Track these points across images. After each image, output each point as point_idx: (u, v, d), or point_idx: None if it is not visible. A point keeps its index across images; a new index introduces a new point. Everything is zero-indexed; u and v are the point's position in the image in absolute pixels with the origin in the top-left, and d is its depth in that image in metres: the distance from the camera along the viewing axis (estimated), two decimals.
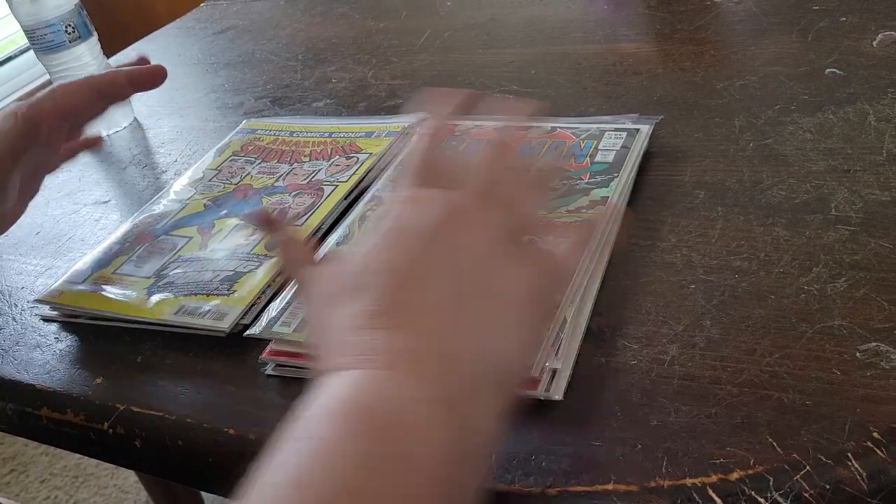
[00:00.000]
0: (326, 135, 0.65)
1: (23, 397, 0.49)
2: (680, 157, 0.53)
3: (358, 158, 0.60)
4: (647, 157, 0.54)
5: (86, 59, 0.75)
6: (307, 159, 0.62)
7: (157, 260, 0.54)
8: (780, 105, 0.56)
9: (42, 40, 0.73)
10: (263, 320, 0.45)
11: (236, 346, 0.47)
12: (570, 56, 0.71)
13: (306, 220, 0.54)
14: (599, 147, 0.53)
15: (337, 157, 0.61)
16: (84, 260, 0.57)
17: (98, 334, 0.51)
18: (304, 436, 0.28)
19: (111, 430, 0.45)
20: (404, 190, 0.37)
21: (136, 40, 1.05)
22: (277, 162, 0.63)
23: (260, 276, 0.50)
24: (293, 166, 0.62)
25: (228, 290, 0.49)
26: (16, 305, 0.56)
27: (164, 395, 0.45)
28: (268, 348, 0.44)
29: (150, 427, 0.44)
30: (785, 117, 0.54)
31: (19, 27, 0.73)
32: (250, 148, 0.66)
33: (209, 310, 0.48)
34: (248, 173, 0.62)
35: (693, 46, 0.68)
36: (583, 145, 0.54)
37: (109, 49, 0.84)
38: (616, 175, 0.50)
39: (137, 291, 0.51)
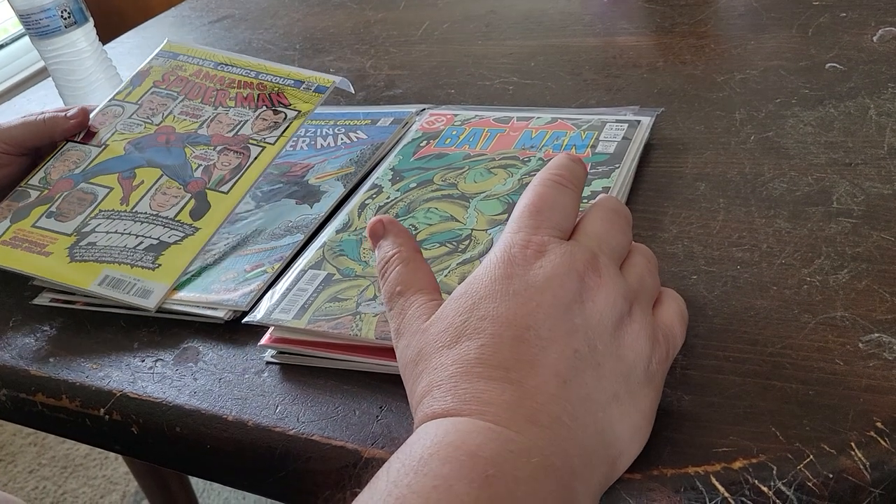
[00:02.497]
0: (253, 74, 0.63)
1: (17, 383, 0.48)
2: (681, 149, 0.53)
3: (286, 115, 0.58)
4: (648, 148, 0.53)
5: (81, 45, 0.74)
6: (232, 104, 0.60)
7: (77, 213, 0.54)
8: (781, 99, 0.56)
9: (37, 25, 0.72)
10: (263, 307, 0.45)
11: (234, 332, 0.46)
12: (570, 48, 0.71)
13: (232, 186, 0.54)
14: (601, 138, 0.53)
15: (264, 107, 0.59)
16: (1, 209, 0.56)
17: (94, 319, 0.51)
18: (413, 476, 0.27)
19: (107, 416, 0.45)
20: (525, 231, 0.34)
21: (132, 28, 1.04)
22: (201, 102, 0.61)
23: (186, 252, 0.50)
24: (217, 111, 0.60)
25: (153, 262, 0.49)
26: (9, 290, 0.56)
27: (161, 381, 0.45)
28: (267, 335, 0.44)
29: (148, 413, 0.44)
30: (786, 111, 0.54)
31: (13, 14, 0.72)
32: (172, 79, 0.64)
33: (133, 283, 0.48)
34: (171, 112, 0.61)
35: (693, 40, 0.67)
36: (584, 136, 0.54)
37: (105, 36, 0.83)
38: (617, 166, 0.50)
39: (58, 252, 0.51)
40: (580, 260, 0.33)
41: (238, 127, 0.58)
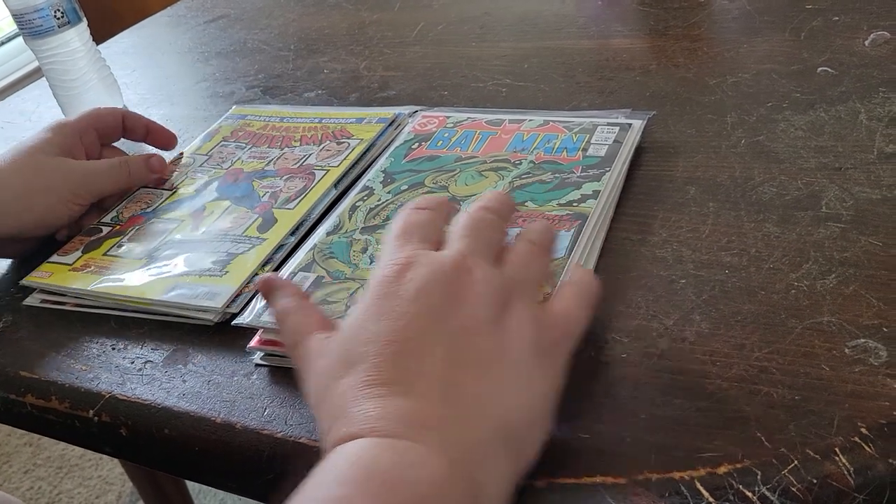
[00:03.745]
0: (317, 121, 0.64)
1: (7, 384, 0.48)
2: (672, 152, 0.53)
3: (349, 144, 0.60)
4: (640, 152, 0.53)
5: (75, 45, 0.74)
6: (297, 144, 0.62)
7: (149, 242, 0.54)
8: (773, 102, 0.56)
9: (31, 25, 0.72)
10: (252, 310, 0.45)
11: (224, 334, 0.46)
12: (564, 51, 0.71)
13: (297, 203, 0.54)
14: (592, 141, 0.53)
15: (328, 141, 0.61)
16: (72, 243, 0.56)
17: (84, 321, 0.51)
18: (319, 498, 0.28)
19: (96, 418, 0.45)
20: (392, 252, 0.36)
21: (127, 27, 1.04)
22: (268, 147, 0.63)
23: (252, 258, 0.50)
24: (284, 151, 0.61)
25: (221, 270, 0.49)
26: (1, 292, 0.56)
27: (150, 383, 0.45)
28: (256, 337, 0.44)
29: (137, 415, 0.44)
30: (777, 115, 0.54)
31: (7, 14, 0.72)
32: (240, 133, 0.66)
33: (202, 291, 0.48)
34: (239, 158, 0.62)
35: (686, 43, 0.68)
36: (575, 139, 0.54)
37: (99, 36, 0.83)
38: (608, 169, 0.50)
39: (129, 272, 0.51)
40: (448, 264, 0.34)
41: (303, 160, 0.59)
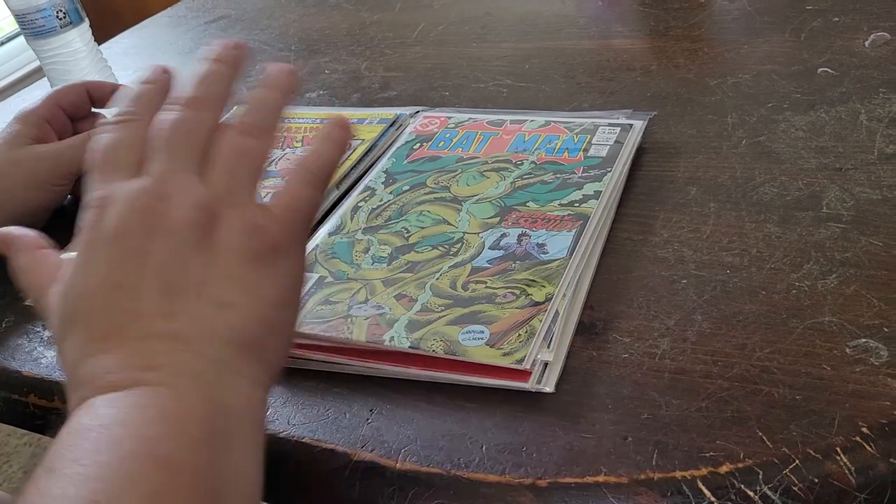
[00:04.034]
0: (318, 121, 0.65)
1: (10, 384, 0.48)
2: (673, 153, 0.53)
3: (350, 144, 0.60)
4: (641, 152, 0.54)
5: (77, 46, 0.74)
6: (299, 145, 0.62)
7: None
8: (773, 103, 0.56)
9: (33, 25, 0.72)
10: None
11: None
12: (565, 51, 0.71)
13: None
14: (593, 141, 0.53)
15: None
16: (75, 240, 0.56)
17: None
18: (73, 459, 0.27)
19: None
20: (91, 191, 0.34)
21: (128, 28, 1.04)
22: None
23: None
24: (285, 151, 0.62)
25: None
26: (2, 291, 0.56)
27: None
28: None
29: None
30: (777, 115, 0.55)
31: (8, 14, 0.72)
32: None
33: None
34: None
35: (687, 44, 0.68)
36: (576, 139, 0.54)
37: (101, 36, 0.83)
38: (609, 169, 0.50)
39: None
40: (142, 195, 0.32)
41: None
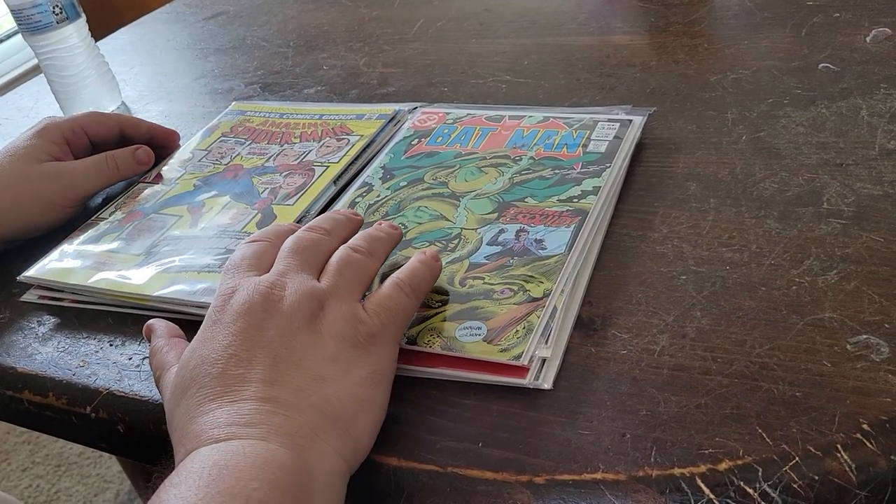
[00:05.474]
0: (317, 117, 0.64)
1: (4, 380, 0.48)
2: (672, 148, 0.53)
3: (349, 140, 0.60)
4: (640, 148, 0.53)
5: (73, 41, 0.74)
6: (297, 140, 0.62)
7: (147, 237, 0.54)
8: (773, 99, 0.56)
9: (29, 21, 0.72)
10: None
11: None
12: (564, 47, 0.71)
13: (297, 200, 0.54)
14: (592, 137, 0.53)
15: (328, 138, 0.61)
16: (70, 239, 0.56)
17: (82, 317, 0.51)
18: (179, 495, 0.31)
19: (94, 414, 0.44)
20: (221, 285, 0.39)
21: (126, 24, 1.04)
22: (268, 143, 0.62)
23: None
24: (283, 147, 0.61)
25: (220, 267, 0.49)
26: None
27: (148, 380, 0.44)
28: None
29: (134, 411, 0.43)
30: (778, 111, 0.54)
31: (6, 11, 0.72)
32: (240, 129, 0.65)
33: (201, 287, 0.47)
34: (238, 154, 0.62)
35: (687, 39, 0.67)
36: (575, 135, 0.54)
37: (98, 32, 0.83)
38: (608, 165, 0.50)
39: (127, 267, 0.51)
40: (263, 283, 0.38)
41: (303, 156, 0.59)
